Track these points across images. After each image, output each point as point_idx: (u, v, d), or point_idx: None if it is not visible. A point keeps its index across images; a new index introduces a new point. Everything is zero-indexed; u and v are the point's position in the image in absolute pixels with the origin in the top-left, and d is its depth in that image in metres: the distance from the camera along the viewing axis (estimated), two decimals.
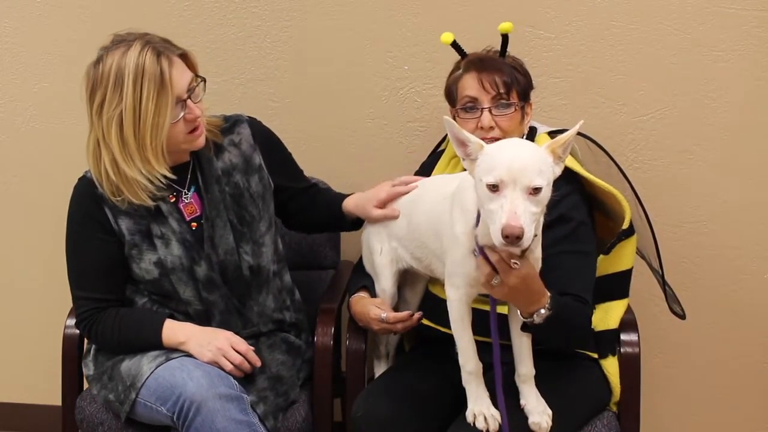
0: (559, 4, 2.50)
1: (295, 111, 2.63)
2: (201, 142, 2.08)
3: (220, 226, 2.10)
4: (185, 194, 2.12)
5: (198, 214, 2.12)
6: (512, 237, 1.58)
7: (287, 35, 2.62)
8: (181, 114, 2.00)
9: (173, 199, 2.10)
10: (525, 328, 1.84)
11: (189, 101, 2.01)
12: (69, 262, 2.12)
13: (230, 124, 2.19)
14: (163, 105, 1.96)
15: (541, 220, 1.73)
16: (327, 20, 2.59)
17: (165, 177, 2.02)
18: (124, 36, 2.02)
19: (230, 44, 2.61)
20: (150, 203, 2.04)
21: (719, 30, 2.45)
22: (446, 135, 2.34)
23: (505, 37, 2.14)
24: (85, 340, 2.23)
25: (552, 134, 2.11)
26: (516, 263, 1.71)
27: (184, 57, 2.04)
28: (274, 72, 2.63)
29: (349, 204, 2.26)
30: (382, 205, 2.17)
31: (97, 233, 2.07)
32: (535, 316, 1.79)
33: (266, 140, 2.23)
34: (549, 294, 1.80)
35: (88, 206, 2.08)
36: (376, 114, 2.62)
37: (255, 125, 2.22)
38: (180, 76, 1.99)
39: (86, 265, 2.09)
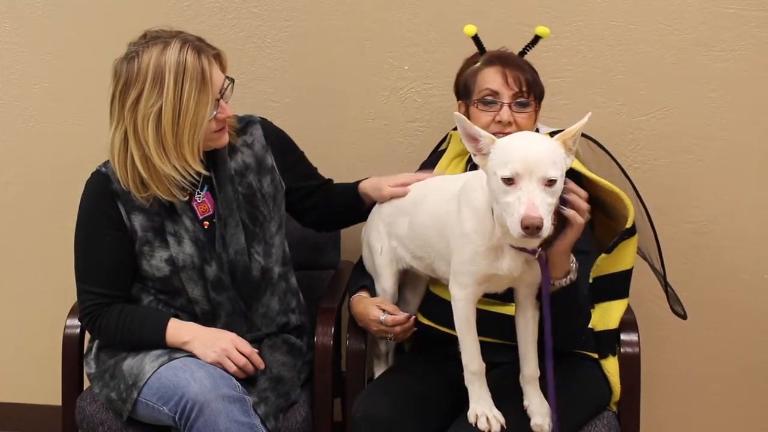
0: (559, 4, 2.50)
1: (295, 111, 2.63)
2: (225, 140, 2.10)
3: (232, 226, 2.11)
4: (198, 193, 2.12)
5: (210, 213, 2.13)
6: (532, 227, 1.59)
7: (287, 35, 2.62)
8: (214, 113, 2.02)
9: (187, 198, 2.10)
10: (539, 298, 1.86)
11: (221, 101, 2.04)
12: (77, 256, 2.12)
13: (243, 124, 2.20)
14: (203, 103, 1.99)
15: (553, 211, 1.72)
16: (327, 20, 2.59)
17: (198, 173, 2.04)
18: (158, 33, 2.02)
19: (230, 44, 2.61)
20: (181, 198, 2.06)
21: (719, 30, 2.45)
22: (446, 135, 2.35)
23: (536, 39, 2.18)
24: (86, 340, 2.24)
25: (554, 135, 2.11)
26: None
27: (217, 57, 2.06)
28: (274, 72, 2.64)
29: (366, 186, 2.26)
30: (398, 186, 2.17)
31: (108, 229, 2.07)
32: (571, 272, 1.83)
33: (278, 141, 2.24)
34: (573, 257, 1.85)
35: (101, 201, 2.08)
36: (376, 114, 2.62)
37: (267, 126, 2.24)
38: (217, 76, 2.02)
39: (94, 259, 2.09)
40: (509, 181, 1.63)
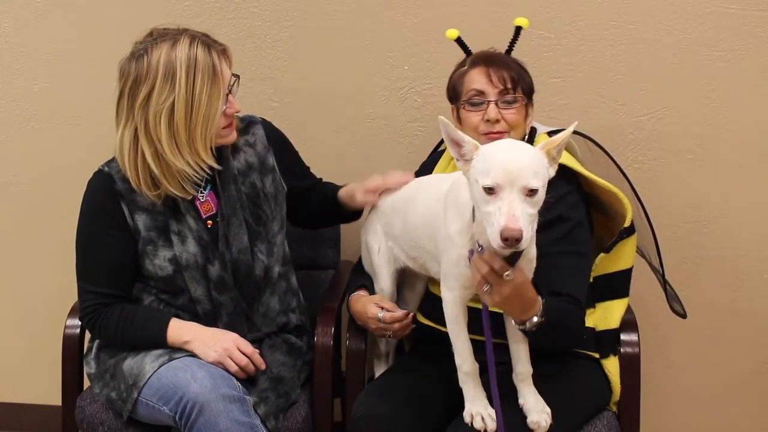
0: (559, 4, 2.50)
1: (295, 111, 2.63)
2: (233, 137, 2.12)
3: (235, 225, 2.12)
4: (201, 192, 2.13)
5: (214, 212, 2.13)
6: (512, 239, 1.58)
7: (287, 35, 2.62)
8: (223, 108, 2.03)
9: (191, 197, 2.11)
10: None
11: (230, 96, 2.05)
12: (79, 255, 2.12)
13: (245, 124, 2.22)
14: (215, 96, 2.01)
15: (536, 221, 1.72)
16: (327, 20, 2.59)
17: (210, 168, 2.06)
18: (165, 31, 2.04)
19: (230, 44, 2.57)
20: (192, 194, 2.07)
21: (719, 30, 2.45)
22: None
23: (518, 31, 2.18)
24: (86, 340, 2.24)
25: (551, 134, 2.11)
26: (509, 275, 1.70)
27: (224, 52, 2.07)
28: (274, 72, 2.64)
29: (342, 193, 2.30)
30: (369, 193, 2.21)
31: (110, 229, 2.08)
32: (527, 323, 1.79)
33: (279, 142, 2.26)
34: (541, 300, 1.80)
35: (104, 201, 2.08)
36: (376, 114, 2.62)
37: (268, 127, 2.25)
38: (226, 70, 2.04)
39: (96, 259, 2.10)
40: (490, 190, 1.62)
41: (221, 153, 2.13)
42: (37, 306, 2.85)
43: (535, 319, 1.79)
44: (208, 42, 2.03)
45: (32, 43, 2.71)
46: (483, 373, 1.87)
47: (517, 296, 1.74)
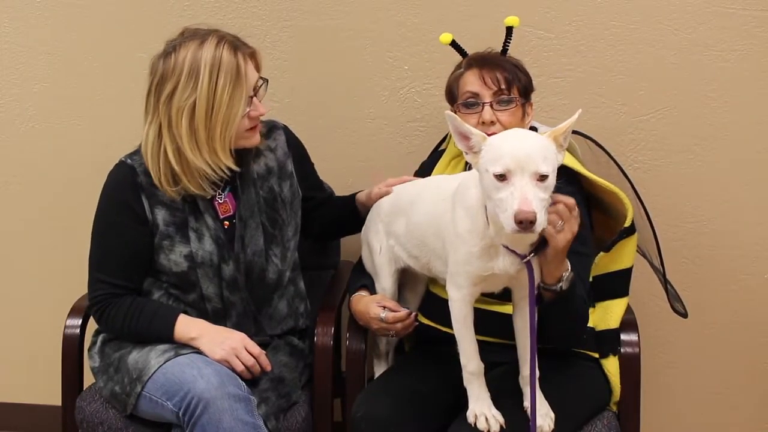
0: (559, 4, 2.50)
1: (295, 111, 2.63)
2: (256, 140, 2.14)
3: (252, 227, 2.13)
4: (219, 193, 2.14)
5: (231, 213, 2.14)
6: (526, 222, 1.59)
7: (287, 35, 2.62)
8: (247, 110, 2.05)
9: (209, 196, 2.12)
10: (540, 304, 1.84)
11: (254, 99, 2.06)
12: (93, 244, 2.12)
13: (267, 129, 2.23)
14: (236, 98, 2.02)
15: (547, 206, 1.71)
16: (327, 20, 2.59)
17: (229, 169, 2.06)
18: (196, 30, 2.06)
19: None
20: (210, 193, 2.09)
21: (719, 30, 2.45)
22: (446, 135, 2.35)
23: (509, 31, 2.17)
24: (87, 337, 2.24)
25: None
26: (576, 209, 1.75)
27: (252, 55, 2.09)
28: (274, 72, 2.63)
29: (360, 196, 2.32)
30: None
31: (128, 221, 2.08)
32: (563, 281, 1.81)
33: (298, 149, 2.28)
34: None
35: (125, 193, 2.09)
36: (376, 114, 2.62)
37: (288, 133, 2.27)
38: (251, 73, 2.05)
39: (111, 250, 2.10)
40: (501, 177, 1.63)
41: (242, 156, 2.14)
42: (37, 306, 2.85)
43: (566, 274, 1.81)
44: (235, 44, 2.04)
45: (32, 43, 2.71)
46: (487, 373, 1.87)
47: (567, 245, 1.77)
